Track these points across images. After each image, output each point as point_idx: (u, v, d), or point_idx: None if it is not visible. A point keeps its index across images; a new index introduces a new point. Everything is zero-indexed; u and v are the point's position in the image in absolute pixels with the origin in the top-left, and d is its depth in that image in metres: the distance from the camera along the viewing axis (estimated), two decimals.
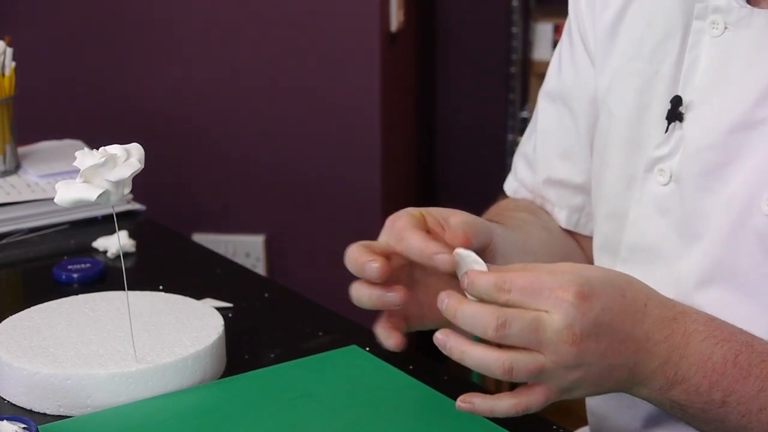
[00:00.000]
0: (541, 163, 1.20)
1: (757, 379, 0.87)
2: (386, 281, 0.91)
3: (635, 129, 1.05)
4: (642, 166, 1.04)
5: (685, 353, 0.87)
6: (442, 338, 0.85)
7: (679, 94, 1.00)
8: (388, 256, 0.92)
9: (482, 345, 0.84)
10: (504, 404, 0.85)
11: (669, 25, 1.03)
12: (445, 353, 0.85)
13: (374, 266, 0.90)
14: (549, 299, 0.83)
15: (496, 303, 0.84)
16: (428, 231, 0.93)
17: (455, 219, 0.95)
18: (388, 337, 0.93)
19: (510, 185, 1.25)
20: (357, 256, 0.91)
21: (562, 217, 1.20)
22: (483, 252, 0.96)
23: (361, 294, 0.92)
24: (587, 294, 0.83)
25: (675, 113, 1.00)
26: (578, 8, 1.14)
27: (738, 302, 0.95)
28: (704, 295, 0.97)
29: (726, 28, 0.98)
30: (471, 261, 0.88)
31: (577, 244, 1.21)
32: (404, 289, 0.91)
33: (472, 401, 0.86)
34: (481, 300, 0.85)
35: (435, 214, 0.95)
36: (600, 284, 0.85)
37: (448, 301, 0.85)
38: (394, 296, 0.91)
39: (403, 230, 0.91)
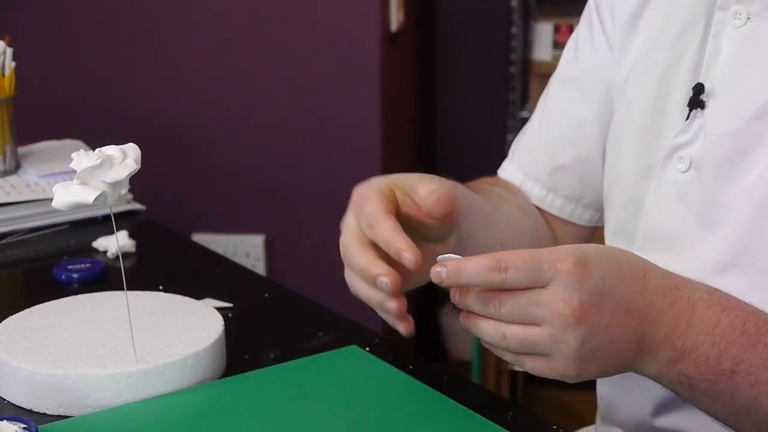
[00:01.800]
0: (545, 146, 1.21)
1: (766, 346, 0.86)
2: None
3: (654, 117, 1.06)
4: (661, 154, 1.04)
5: (691, 321, 0.86)
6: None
7: (701, 81, 1.00)
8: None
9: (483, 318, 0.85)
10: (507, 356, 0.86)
11: (691, 16, 1.04)
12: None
13: (384, 281, 0.90)
14: (548, 272, 0.82)
15: (491, 285, 0.83)
16: (398, 207, 0.93)
17: (424, 188, 0.95)
18: (398, 324, 0.93)
19: (505, 169, 1.25)
20: (366, 265, 0.91)
21: (556, 205, 1.20)
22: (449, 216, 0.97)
23: (360, 290, 0.93)
24: (584, 263, 0.82)
25: (696, 100, 1.00)
26: None
27: (757, 287, 0.94)
28: (722, 280, 0.96)
29: (749, 18, 0.98)
30: None
31: (551, 231, 1.21)
32: (404, 301, 0.91)
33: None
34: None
35: (403, 184, 0.95)
36: (596, 256, 0.84)
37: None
38: (394, 308, 0.91)
39: (373, 216, 0.92)
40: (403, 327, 0.93)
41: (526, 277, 0.82)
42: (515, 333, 0.83)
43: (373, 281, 0.91)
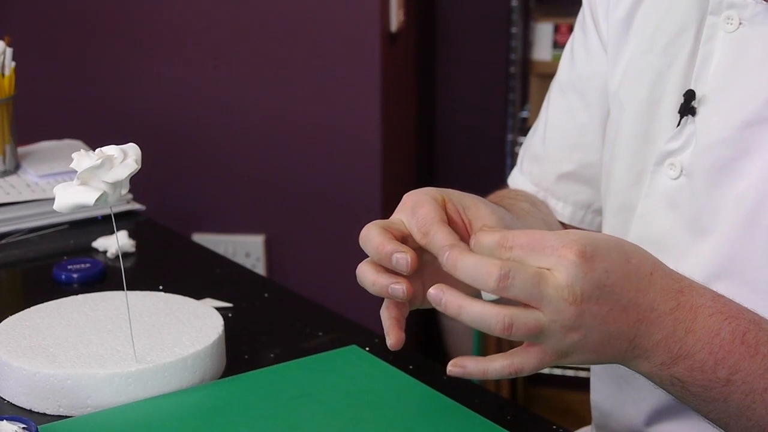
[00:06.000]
0: (550, 155, 1.20)
1: (765, 357, 0.85)
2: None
3: (646, 122, 1.06)
4: (652, 159, 1.04)
5: (691, 327, 0.85)
6: (436, 293, 0.81)
7: (692, 88, 1.00)
8: (404, 239, 0.89)
9: (481, 300, 0.81)
10: (496, 365, 0.83)
11: (683, 20, 1.03)
12: (439, 309, 0.81)
13: (403, 257, 0.86)
14: (551, 257, 0.80)
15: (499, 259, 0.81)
16: (448, 219, 0.90)
17: (474, 214, 0.91)
18: (390, 332, 0.89)
19: (515, 179, 1.25)
20: (380, 242, 0.87)
21: (566, 213, 1.20)
22: None
23: (366, 277, 0.88)
24: (590, 254, 0.81)
25: (688, 107, 1.00)
26: None
27: (746, 297, 0.93)
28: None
29: (741, 23, 0.97)
30: None
31: None
32: (410, 284, 0.87)
33: (464, 365, 0.83)
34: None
35: (455, 200, 0.91)
36: (605, 247, 0.82)
37: (449, 253, 0.81)
38: (400, 289, 0.86)
39: (429, 223, 0.87)
40: (392, 338, 0.89)
41: (529, 258, 0.81)
42: (524, 321, 0.80)
43: (387, 259, 0.87)
